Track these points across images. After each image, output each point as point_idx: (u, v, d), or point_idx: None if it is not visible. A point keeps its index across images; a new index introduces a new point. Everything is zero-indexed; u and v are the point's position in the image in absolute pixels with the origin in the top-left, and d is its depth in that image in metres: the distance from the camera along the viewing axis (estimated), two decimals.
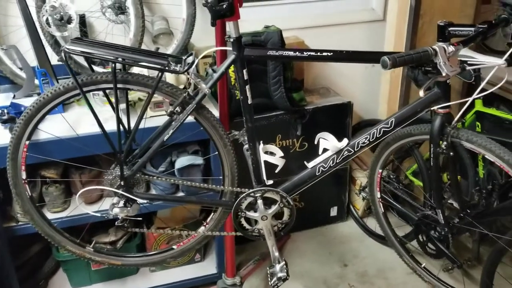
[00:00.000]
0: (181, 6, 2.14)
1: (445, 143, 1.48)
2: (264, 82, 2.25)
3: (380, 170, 1.83)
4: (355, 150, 1.53)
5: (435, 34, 2.55)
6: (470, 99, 1.45)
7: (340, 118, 2.49)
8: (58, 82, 1.85)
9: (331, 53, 1.41)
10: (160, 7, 2.21)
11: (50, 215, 1.75)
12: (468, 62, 1.39)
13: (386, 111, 2.74)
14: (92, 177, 1.88)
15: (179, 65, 1.37)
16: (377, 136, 1.50)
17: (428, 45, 2.39)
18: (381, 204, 1.92)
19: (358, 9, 2.73)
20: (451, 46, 1.24)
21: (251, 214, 1.58)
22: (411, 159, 2.49)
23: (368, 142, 1.51)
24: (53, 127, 1.64)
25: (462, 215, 1.66)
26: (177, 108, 1.43)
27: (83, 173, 1.87)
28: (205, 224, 1.68)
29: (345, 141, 1.53)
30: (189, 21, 2.16)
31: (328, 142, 1.50)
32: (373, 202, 1.95)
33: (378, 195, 1.90)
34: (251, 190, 1.55)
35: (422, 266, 2.00)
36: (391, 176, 2.44)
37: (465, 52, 2.22)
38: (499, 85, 1.42)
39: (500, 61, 2.09)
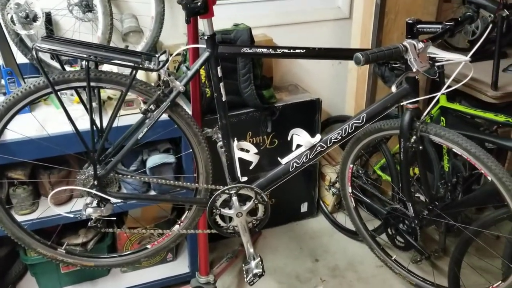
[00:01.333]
0: (150, 4, 2.13)
1: (414, 137, 1.54)
2: (234, 80, 2.27)
3: (351, 165, 1.88)
4: (328, 145, 1.57)
5: (399, 31, 2.67)
6: (439, 94, 1.52)
7: (309, 115, 2.54)
8: (24, 82, 1.81)
9: (304, 50, 1.44)
10: (128, 4, 2.19)
11: (18, 218, 1.71)
12: (436, 58, 1.45)
13: (354, 107, 2.81)
14: (61, 177, 1.85)
15: (152, 63, 1.37)
16: (349, 131, 1.55)
17: (393, 42, 2.47)
18: (352, 199, 1.98)
19: (325, 8, 2.79)
20: (420, 42, 1.30)
21: (226, 211, 1.60)
22: (378, 154, 2.56)
23: (340, 137, 1.56)
24: (20, 127, 1.61)
25: (430, 207, 1.73)
26: (152, 106, 1.43)
27: (52, 174, 1.84)
28: (179, 222, 1.68)
29: (318, 137, 1.57)
30: (158, 19, 2.15)
31: (301, 138, 1.54)
32: (344, 197, 2.00)
33: (350, 190, 1.95)
34: (226, 187, 1.57)
35: (393, 258, 2.07)
36: (360, 171, 2.51)
37: (431, 50, 2.32)
38: (464, 81, 1.49)
39: (466, 58, 2.19)
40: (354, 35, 2.73)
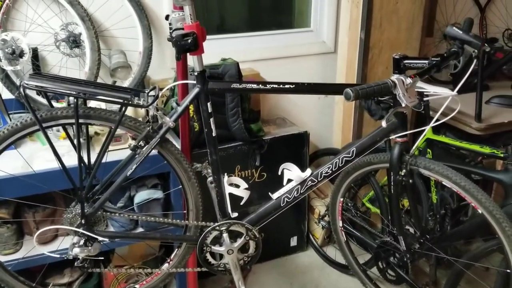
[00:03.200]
0: (138, 39, 2.14)
1: (404, 171, 1.54)
2: (222, 114, 2.27)
3: (342, 199, 1.87)
4: (319, 179, 1.56)
5: (384, 65, 2.72)
6: (428, 127, 1.53)
7: (297, 148, 2.54)
8: (10, 118, 1.79)
9: (293, 86, 1.45)
10: (116, 40, 2.20)
11: (1, 258, 1.66)
12: (424, 93, 1.47)
13: (341, 140, 2.83)
14: (46, 215, 1.80)
15: (142, 98, 1.36)
16: (340, 165, 1.55)
17: (378, 76, 2.51)
18: (343, 233, 1.96)
19: (310, 42, 2.84)
20: (408, 78, 1.31)
21: (216, 248, 1.57)
22: (366, 187, 2.56)
23: (331, 171, 1.55)
24: (5, 164, 1.57)
25: (421, 240, 1.72)
26: (141, 143, 1.41)
27: (37, 212, 1.79)
28: (169, 260, 1.64)
29: (308, 171, 1.56)
30: (145, 54, 2.16)
31: (292, 173, 1.53)
32: (335, 231, 1.99)
33: (340, 223, 1.94)
34: (216, 224, 1.54)
35: None
36: (349, 204, 2.50)
37: (419, 84, 2.36)
38: (452, 115, 1.51)
39: (453, 93, 2.23)
40: (339, 69, 2.77)
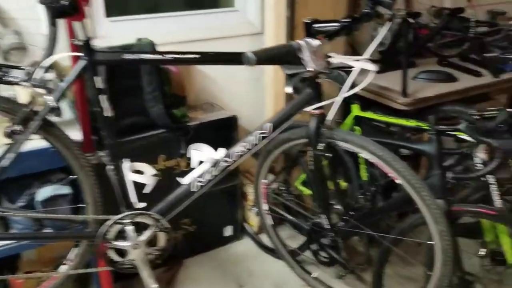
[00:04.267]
0: (40, 20, 1.89)
1: (322, 144, 1.40)
2: (140, 99, 2.06)
3: (265, 180, 1.72)
4: (234, 159, 1.39)
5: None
6: (338, 98, 1.39)
7: (226, 133, 2.36)
8: None
9: (199, 55, 1.27)
10: (15, 21, 1.94)
11: None
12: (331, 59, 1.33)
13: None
14: None
15: (16, 75, 1.14)
16: (255, 143, 1.38)
17: None
18: (269, 217, 1.81)
19: (237, 23, 2.66)
20: (315, 40, 1.16)
21: (120, 243, 1.37)
22: (299, 169, 2.43)
23: (246, 150, 1.39)
24: None
25: (346, 218, 1.59)
26: (17, 127, 1.19)
27: None
28: (65, 261, 1.42)
29: (221, 151, 1.39)
30: (51, 36, 1.91)
31: (202, 154, 1.35)
32: (260, 214, 1.83)
33: (265, 207, 1.79)
34: (117, 216, 1.34)
35: (313, 276, 1.91)
36: (282, 188, 2.36)
37: (340, 58, 2.24)
38: (361, 86, 1.38)
39: (373, 67, 2.13)
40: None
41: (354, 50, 2.94)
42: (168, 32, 2.45)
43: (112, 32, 2.31)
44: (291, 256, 1.88)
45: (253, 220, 2.59)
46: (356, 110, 2.23)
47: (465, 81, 2.64)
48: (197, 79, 2.58)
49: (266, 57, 1.02)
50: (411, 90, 2.43)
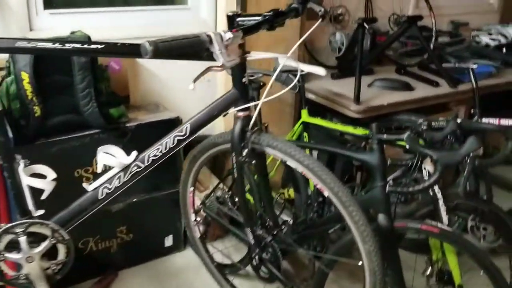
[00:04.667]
0: None
1: (246, 150, 1.27)
2: (71, 96, 1.91)
3: (192, 188, 1.58)
4: (147, 164, 1.25)
5: (264, 45, 2.47)
6: (261, 101, 1.27)
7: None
8: None
9: (102, 46, 1.13)
10: None
11: None
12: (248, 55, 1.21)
13: (224, 127, 2.55)
14: None
15: None
16: (171, 146, 1.25)
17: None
18: (198, 228, 1.67)
19: (189, 21, 2.54)
20: (228, 32, 1.04)
21: (12, 256, 1.21)
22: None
23: (161, 154, 1.25)
24: None
25: (275, 232, 1.46)
26: None
27: None
28: None
29: (133, 154, 1.25)
30: None
31: (110, 158, 1.21)
32: (187, 225, 1.70)
33: (193, 217, 1.65)
34: (8, 225, 1.19)
35: None
36: (226, 196, 2.23)
37: (289, 62, 2.13)
38: (285, 90, 1.26)
39: (321, 71, 2.03)
40: None
41: (312, 56, 2.85)
42: (116, 28, 2.31)
43: (52, 25, 2.16)
44: (219, 272, 1.74)
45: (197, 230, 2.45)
46: (304, 115, 2.13)
47: (421, 91, 2.56)
48: (144, 78, 2.44)
49: (166, 49, 0.89)
50: (364, 98, 2.34)
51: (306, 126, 2.11)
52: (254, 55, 1.14)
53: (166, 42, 0.90)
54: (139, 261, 2.30)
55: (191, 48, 0.95)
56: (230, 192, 2.26)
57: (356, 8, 2.96)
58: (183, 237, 2.41)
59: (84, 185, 1.23)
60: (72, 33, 1.96)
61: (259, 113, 2.31)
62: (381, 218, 1.57)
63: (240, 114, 1.26)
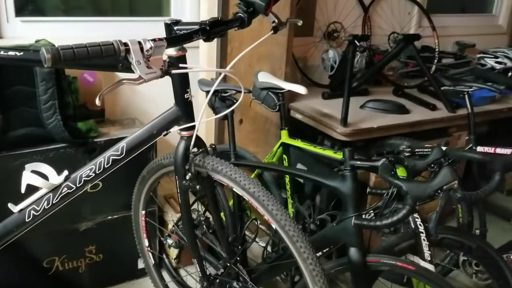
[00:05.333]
0: None
1: (189, 173, 1.16)
2: (34, 108, 1.83)
3: (143, 212, 1.47)
4: (79, 185, 1.14)
5: (246, 61, 2.37)
6: (198, 122, 1.15)
7: (141, 152, 2.11)
8: None
9: None
10: None
11: None
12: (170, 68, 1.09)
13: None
14: None
15: None
16: (105, 166, 1.14)
17: (240, 73, 2.16)
18: (151, 254, 1.55)
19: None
20: (150, 41, 0.93)
21: None
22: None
23: (94, 174, 1.14)
24: None
25: (227, 264, 1.33)
26: None
27: None
28: None
29: (63, 174, 1.14)
30: None
31: (36, 178, 1.10)
32: (141, 251, 1.57)
33: (146, 243, 1.53)
34: None
35: None
36: (201, 219, 2.10)
37: (267, 79, 2.02)
38: (234, 106, 1.15)
39: (302, 89, 1.91)
40: (201, 65, 2.40)
41: (303, 74, 2.75)
42: (87, 37, 2.23)
43: (24, 33, 2.09)
44: None
45: (172, 252, 2.32)
46: (284, 136, 2.00)
47: (417, 114, 2.42)
48: (124, 92, 2.35)
49: (69, 57, 0.79)
50: (354, 119, 2.22)
51: (286, 147, 1.99)
52: (183, 69, 1.02)
53: (69, 49, 0.80)
54: (110, 283, 2.18)
55: (102, 57, 0.84)
56: (205, 214, 2.15)
57: (353, 25, 2.85)
58: (158, 259, 2.29)
59: (10, 205, 1.12)
60: (37, 41, 1.88)
61: (220, 131, 2.20)
62: (353, 252, 1.44)
63: (183, 133, 1.15)
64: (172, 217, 2.25)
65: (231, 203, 2.03)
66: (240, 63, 2.31)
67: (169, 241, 2.18)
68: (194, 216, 2.07)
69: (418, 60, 2.51)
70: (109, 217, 2.07)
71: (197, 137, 1.15)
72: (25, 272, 1.98)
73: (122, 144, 1.13)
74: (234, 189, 1.12)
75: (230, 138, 1.89)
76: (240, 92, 1.84)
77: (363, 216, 1.43)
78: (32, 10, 2.15)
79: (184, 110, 1.12)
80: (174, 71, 0.95)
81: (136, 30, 2.34)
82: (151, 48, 0.90)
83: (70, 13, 2.25)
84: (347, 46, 2.35)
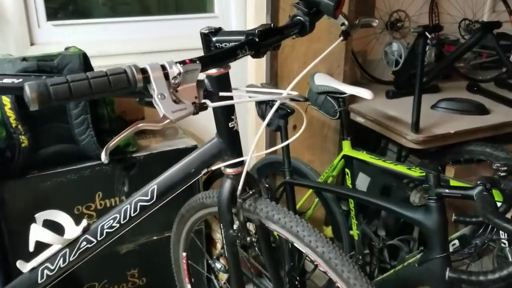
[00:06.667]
0: None
1: (237, 222, 0.89)
2: (65, 123, 1.63)
3: (185, 254, 1.22)
4: (100, 238, 0.90)
5: (300, 59, 2.08)
6: (249, 155, 0.87)
7: None
8: None
9: None
10: None
11: None
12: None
13: (255, 158, 2.18)
14: None
15: None
16: (132, 214, 0.89)
17: (293, 72, 1.88)
18: None
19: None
20: (177, 65, 0.65)
21: None
22: None
23: (119, 225, 0.89)
24: None
25: None
26: None
27: None
28: None
29: (82, 224, 0.91)
30: None
31: (46, 233, 0.86)
32: None
33: (189, 287, 1.29)
34: None
35: None
36: (253, 240, 1.85)
37: (326, 81, 1.72)
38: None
39: (368, 94, 1.60)
40: (250, 61, 2.13)
41: (363, 70, 2.42)
42: (128, 41, 2.01)
43: (56, 38, 1.90)
44: None
45: (222, 274, 2.09)
46: (346, 148, 1.70)
47: (499, 115, 2.04)
48: None
49: (62, 95, 0.54)
50: (426, 124, 1.88)
51: (349, 160, 1.69)
52: (225, 100, 0.73)
53: (63, 83, 0.55)
54: None
55: (112, 91, 0.59)
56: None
57: (419, 13, 2.48)
58: (206, 281, 2.07)
59: (19, 263, 0.89)
60: (66, 49, 1.68)
61: (271, 139, 1.92)
62: None
63: (229, 171, 0.88)
64: (220, 235, 2.01)
65: None
66: (294, 62, 2.02)
67: (218, 265, 1.95)
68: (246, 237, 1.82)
69: (499, 51, 2.12)
70: (154, 238, 1.87)
71: (248, 175, 0.88)
72: None
73: (152, 186, 0.87)
74: (295, 244, 0.85)
75: (284, 153, 1.62)
76: (297, 100, 1.56)
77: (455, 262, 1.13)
78: (67, 13, 1.95)
79: (228, 142, 0.86)
80: (212, 104, 0.68)
81: (184, 28, 2.09)
82: (179, 74, 0.63)
83: (113, 14, 2.03)
84: (415, 38, 2.01)
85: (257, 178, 2.02)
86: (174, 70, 0.63)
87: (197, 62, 0.65)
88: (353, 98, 2.15)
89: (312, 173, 1.81)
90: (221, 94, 0.75)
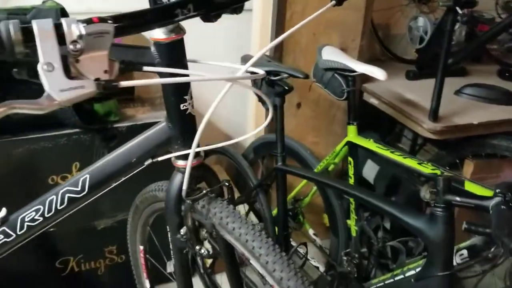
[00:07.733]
0: None
1: (184, 227, 0.72)
2: (40, 85, 1.46)
3: (142, 247, 1.06)
4: (20, 232, 0.74)
5: (310, 30, 1.86)
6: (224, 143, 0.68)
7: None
8: None
9: None
10: None
11: None
12: None
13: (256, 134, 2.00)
14: None
15: None
16: (59, 207, 0.72)
17: (301, 44, 1.67)
18: None
19: None
20: (80, 24, 0.45)
21: None
22: None
23: (42, 218, 0.73)
24: None
25: None
26: None
27: None
28: None
29: (2, 213, 0.75)
30: None
31: None
32: None
33: (148, 285, 1.14)
34: None
35: None
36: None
37: (334, 56, 1.51)
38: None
39: (381, 74, 1.39)
40: (254, 30, 1.93)
41: (383, 46, 2.19)
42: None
43: None
44: None
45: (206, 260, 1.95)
46: (351, 133, 1.51)
47: None
48: None
49: None
50: (447, 111, 1.66)
51: (353, 148, 1.50)
52: (139, 81, 0.53)
53: None
54: (132, 286, 1.88)
55: None
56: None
57: None
58: (191, 263, 1.94)
59: None
60: (44, 2, 1.50)
61: None
62: None
63: (179, 163, 0.70)
64: None
65: (275, 212, 1.60)
66: (302, 32, 1.80)
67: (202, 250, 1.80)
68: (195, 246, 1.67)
69: None
70: None
71: (204, 167, 0.70)
72: (36, 273, 1.72)
73: (84, 176, 0.70)
74: (251, 261, 0.67)
75: (277, 135, 1.44)
76: (296, 76, 1.37)
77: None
78: None
79: (180, 128, 0.67)
80: (125, 83, 0.49)
81: None
82: (81, 37, 0.44)
83: None
84: (444, 13, 1.76)
85: (253, 158, 1.85)
86: (74, 32, 0.44)
87: (109, 22, 0.46)
88: (368, 77, 1.93)
89: (311, 158, 1.63)
90: (145, 69, 0.56)
